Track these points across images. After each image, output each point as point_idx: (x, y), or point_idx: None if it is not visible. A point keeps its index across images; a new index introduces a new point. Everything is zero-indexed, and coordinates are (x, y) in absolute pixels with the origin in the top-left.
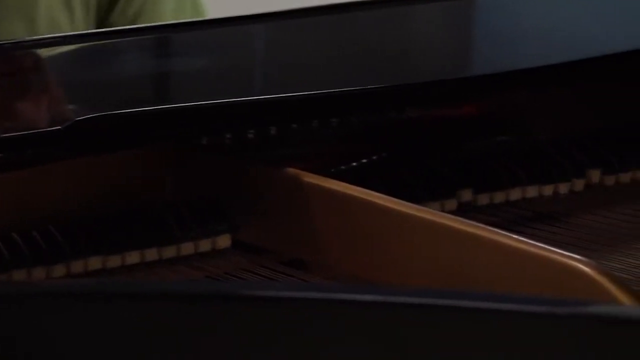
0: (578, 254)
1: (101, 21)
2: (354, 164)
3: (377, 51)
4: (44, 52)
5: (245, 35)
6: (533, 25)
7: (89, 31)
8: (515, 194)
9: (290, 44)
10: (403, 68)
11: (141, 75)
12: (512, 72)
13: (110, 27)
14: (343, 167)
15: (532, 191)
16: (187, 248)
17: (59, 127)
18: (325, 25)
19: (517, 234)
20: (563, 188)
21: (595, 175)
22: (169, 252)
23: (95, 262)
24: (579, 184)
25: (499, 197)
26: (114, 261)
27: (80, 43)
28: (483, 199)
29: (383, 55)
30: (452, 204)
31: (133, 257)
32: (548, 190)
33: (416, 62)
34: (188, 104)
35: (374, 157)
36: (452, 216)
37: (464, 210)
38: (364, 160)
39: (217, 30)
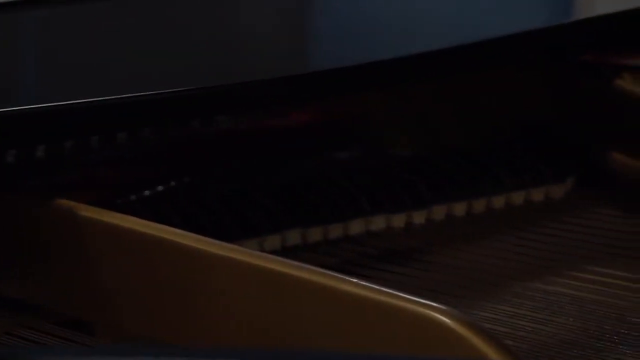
0: (438, 302)
1: None
2: (147, 192)
3: (177, 44)
4: None
5: (14, 25)
6: (382, 10)
7: None
8: (356, 227)
9: (61, 37)
10: (212, 65)
11: None
12: (354, 69)
13: None
14: (132, 197)
15: (378, 222)
16: None
17: None
18: (106, 13)
19: (360, 278)
20: (418, 218)
21: (460, 200)
22: None
23: None
24: (439, 212)
25: (336, 231)
26: None
27: None
28: (315, 235)
29: (185, 49)
30: (274, 241)
31: None
32: (399, 221)
33: (230, 58)
34: None
35: (172, 184)
36: (275, 257)
37: (291, 250)
38: (160, 188)
39: None
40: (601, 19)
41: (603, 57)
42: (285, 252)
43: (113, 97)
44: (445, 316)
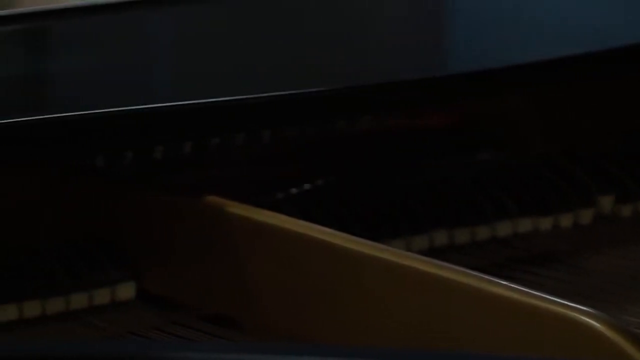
0: (586, 305)
1: None
2: (294, 190)
3: (320, 43)
4: None
5: (142, 23)
6: (524, 10)
7: None
8: (503, 229)
9: (202, 33)
10: (354, 65)
11: (13, 76)
12: (497, 71)
13: None
14: (279, 195)
15: (525, 225)
16: (79, 300)
17: None
18: (249, 10)
19: (507, 281)
20: (566, 221)
21: (607, 203)
22: (55, 305)
23: None
24: (587, 216)
25: (483, 232)
26: None
27: None
28: (462, 236)
29: (328, 49)
30: (422, 241)
31: (8, 313)
32: (546, 223)
33: (371, 58)
34: (72, 113)
35: (319, 182)
36: (423, 258)
37: (438, 250)
38: (307, 186)
39: (101, 18)
40: None
41: None
42: (432, 252)
43: (259, 95)
44: (596, 320)
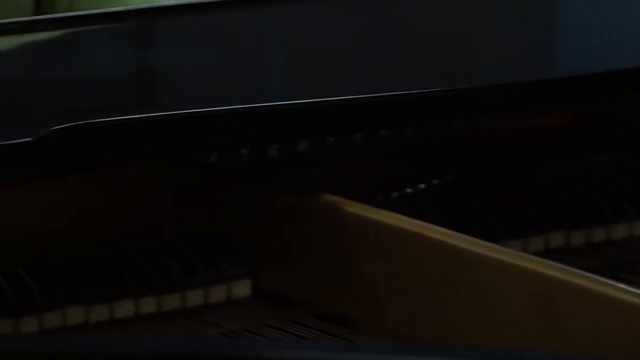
0: None
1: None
2: (409, 190)
3: (436, 44)
4: None
5: (259, 21)
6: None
7: (48, 16)
8: (619, 232)
9: (318, 33)
10: (471, 66)
11: (127, 73)
12: (616, 73)
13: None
14: (395, 194)
15: None
16: (195, 297)
17: (28, 139)
18: (367, 9)
19: (624, 284)
20: None
21: None
22: (171, 302)
23: (75, 314)
24: None
25: (599, 235)
26: (100, 313)
27: (40, 30)
28: (578, 238)
29: (444, 49)
30: (538, 243)
31: (124, 309)
32: None
33: (488, 58)
34: (190, 110)
35: (435, 182)
36: (539, 259)
37: (554, 252)
38: (422, 186)
39: (221, 16)
40: None
41: None
42: (548, 254)
43: (375, 94)
44: None
